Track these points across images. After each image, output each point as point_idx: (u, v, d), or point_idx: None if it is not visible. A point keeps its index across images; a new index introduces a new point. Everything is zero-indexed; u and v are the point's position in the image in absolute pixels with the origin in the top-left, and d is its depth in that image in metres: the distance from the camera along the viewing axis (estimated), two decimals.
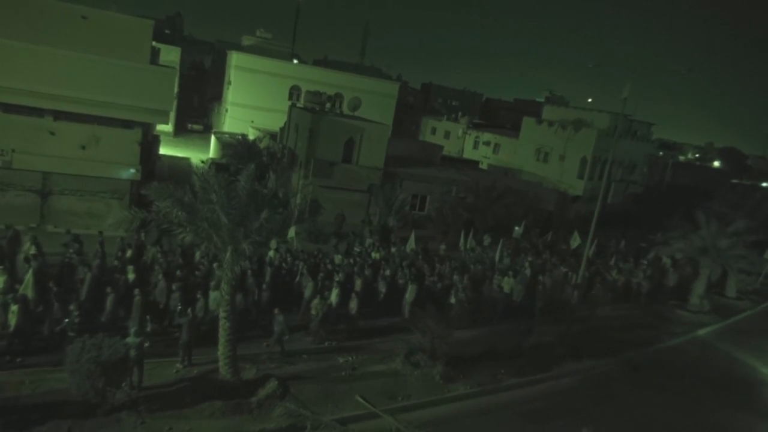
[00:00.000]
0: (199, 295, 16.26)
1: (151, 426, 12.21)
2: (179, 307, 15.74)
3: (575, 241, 29.14)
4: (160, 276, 16.96)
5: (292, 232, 18.20)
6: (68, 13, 22.65)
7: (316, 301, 17.50)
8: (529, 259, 25.58)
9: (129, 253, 18.81)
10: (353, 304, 18.41)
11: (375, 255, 23.06)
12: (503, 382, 16.91)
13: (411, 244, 25.24)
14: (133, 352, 12.90)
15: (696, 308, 26.52)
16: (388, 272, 20.96)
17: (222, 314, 14.12)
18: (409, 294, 20.05)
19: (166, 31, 66.40)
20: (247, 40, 64.18)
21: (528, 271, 23.70)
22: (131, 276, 16.93)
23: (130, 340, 13.04)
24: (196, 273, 18.30)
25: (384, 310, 19.96)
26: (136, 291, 15.59)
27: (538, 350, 19.04)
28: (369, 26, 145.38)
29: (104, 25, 23.19)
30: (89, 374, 11.84)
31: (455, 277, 21.65)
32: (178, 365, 14.72)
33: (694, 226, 26.69)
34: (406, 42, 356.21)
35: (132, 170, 24.00)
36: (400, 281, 20.74)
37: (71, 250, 18.01)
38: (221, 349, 14.22)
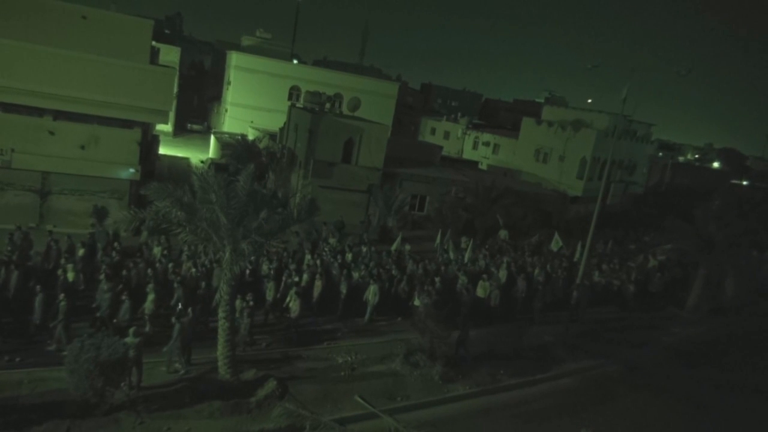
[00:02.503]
0: (124, 297, 15.25)
1: (149, 426, 12.20)
2: (179, 307, 15.68)
3: (556, 244, 28.32)
4: (102, 276, 16.25)
5: None
6: (68, 13, 22.71)
7: (237, 301, 15.99)
8: (506, 260, 24.70)
9: (81, 252, 18.37)
10: (294, 306, 17.13)
11: (348, 255, 22.40)
12: (502, 382, 16.91)
13: (397, 244, 24.86)
14: (131, 352, 12.88)
15: (693, 309, 26.38)
16: (356, 273, 20.19)
17: (221, 314, 14.12)
18: (372, 295, 19.17)
19: (166, 31, 66.45)
20: (246, 40, 64.22)
21: (504, 273, 22.95)
22: (71, 275, 16.39)
23: (128, 340, 13.02)
24: (148, 272, 17.46)
25: (347, 312, 19.32)
26: (62, 295, 14.60)
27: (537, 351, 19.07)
28: (368, 26, 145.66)
29: (104, 24, 23.24)
30: (88, 374, 11.83)
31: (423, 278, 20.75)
32: (177, 365, 14.71)
33: (693, 226, 26.63)
34: (405, 42, 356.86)
35: (131, 170, 24.01)
36: (363, 281, 19.88)
37: (9, 248, 17.67)
38: (220, 350, 14.22)
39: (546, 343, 20.15)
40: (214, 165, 32.67)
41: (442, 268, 23.04)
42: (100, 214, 22.46)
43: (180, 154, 43.47)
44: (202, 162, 39.77)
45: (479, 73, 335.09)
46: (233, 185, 13.73)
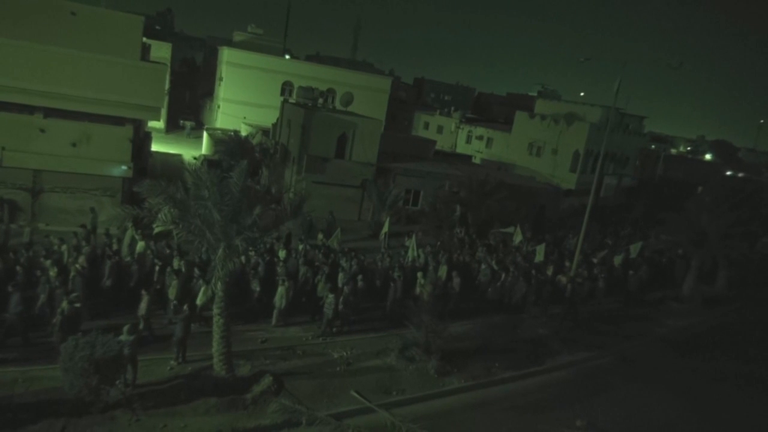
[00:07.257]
0: None
1: (145, 423, 12.19)
2: (174, 303, 15.62)
3: (518, 237, 27.34)
4: None
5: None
6: (57, 10, 22.50)
7: (64, 303, 14.47)
8: (445, 256, 23.58)
9: None
10: (143, 304, 15.68)
11: (281, 253, 21.08)
12: (497, 375, 16.98)
13: (337, 237, 23.70)
14: (126, 350, 12.84)
15: (686, 300, 26.48)
16: (279, 269, 19.12)
17: (215, 311, 14.07)
18: (278, 297, 17.75)
19: (157, 27, 66.05)
20: (238, 36, 63.82)
21: (444, 270, 21.84)
22: None
23: (123, 337, 12.98)
24: (38, 273, 16.25)
25: (261, 313, 18.09)
26: None
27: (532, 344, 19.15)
28: (361, 21, 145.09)
29: (94, 21, 23.05)
30: (83, 372, 11.77)
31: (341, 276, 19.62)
32: (173, 362, 14.70)
33: (685, 218, 26.72)
34: (398, 37, 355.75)
35: (124, 167, 23.87)
36: (278, 279, 18.36)
37: None
38: (215, 346, 14.19)
39: (540, 335, 20.27)
40: (207, 161, 32.54)
41: (379, 263, 22.01)
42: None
43: (173, 151, 43.26)
44: (195, 158, 39.61)
45: (472, 67, 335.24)
46: (226, 181, 13.68)
